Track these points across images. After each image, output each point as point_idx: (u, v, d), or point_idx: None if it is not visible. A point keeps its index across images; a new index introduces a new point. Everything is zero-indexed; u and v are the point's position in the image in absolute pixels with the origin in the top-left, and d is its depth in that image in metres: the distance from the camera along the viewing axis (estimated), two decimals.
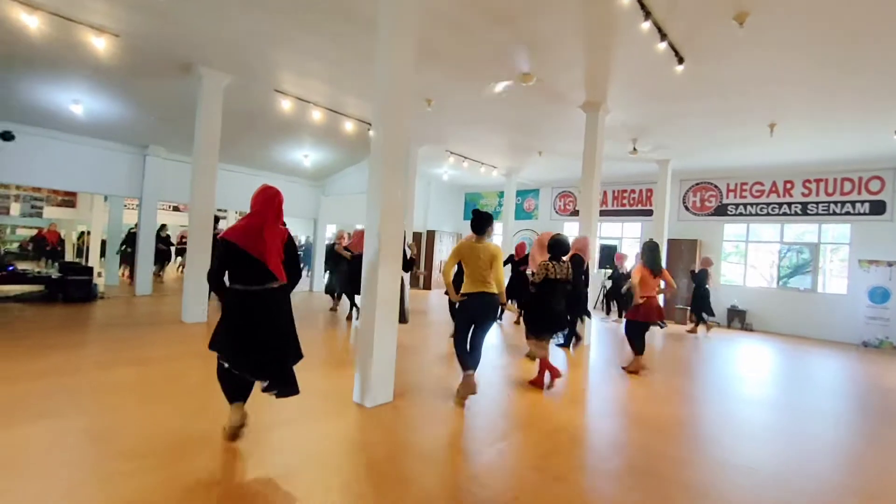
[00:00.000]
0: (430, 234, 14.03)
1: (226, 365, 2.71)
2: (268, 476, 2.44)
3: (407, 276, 6.71)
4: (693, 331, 8.98)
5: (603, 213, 11.90)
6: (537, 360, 4.68)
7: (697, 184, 11.11)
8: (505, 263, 5.08)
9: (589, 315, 6.28)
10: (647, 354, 5.48)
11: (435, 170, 12.51)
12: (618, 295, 9.33)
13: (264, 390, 2.75)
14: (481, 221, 3.87)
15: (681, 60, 5.01)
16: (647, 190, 11.90)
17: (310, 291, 11.43)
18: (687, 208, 11.26)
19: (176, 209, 17.65)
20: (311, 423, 3.20)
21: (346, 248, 7.24)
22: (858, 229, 9.20)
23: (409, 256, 6.01)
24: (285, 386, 2.78)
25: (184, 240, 11.74)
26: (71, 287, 7.66)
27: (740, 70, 5.31)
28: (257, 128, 8.57)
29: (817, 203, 9.62)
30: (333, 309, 8.29)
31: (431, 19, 4.56)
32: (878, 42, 4.52)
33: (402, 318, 4.99)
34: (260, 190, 2.78)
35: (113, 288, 9.64)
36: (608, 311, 10.42)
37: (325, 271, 10.07)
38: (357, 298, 7.02)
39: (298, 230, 16.76)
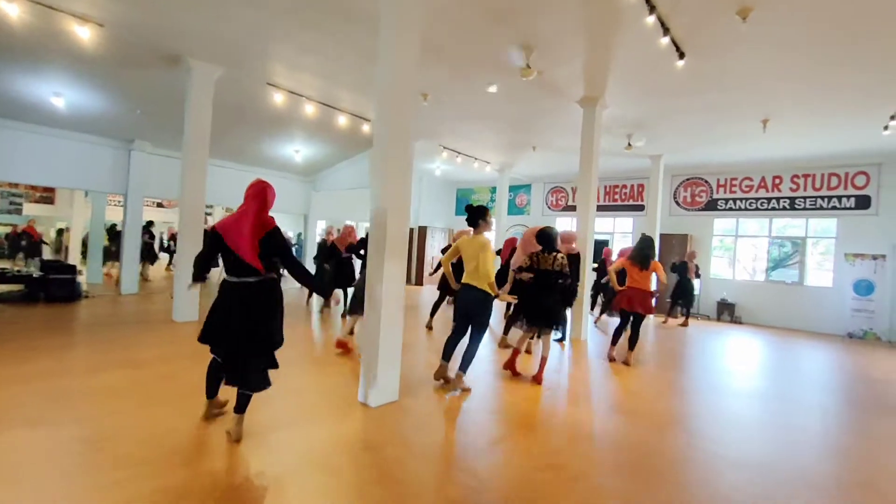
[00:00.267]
0: (422, 230, 13.94)
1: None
2: (269, 483, 2.35)
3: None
4: (684, 324, 9.13)
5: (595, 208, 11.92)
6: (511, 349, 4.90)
7: (688, 179, 11.22)
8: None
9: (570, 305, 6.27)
10: (640, 348, 5.50)
11: (427, 165, 12.41)
12: (603, 288, 9.34)
13: (226, 383, 2.81)
14: (471, 215, 4.07)
15: (681, 56, 5.00)
16: (638, 185, 11.99)
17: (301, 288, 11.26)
18: (678, 203, 11.37)
19: (160, 205, 17.23)
20: (316, 424, 3.12)
21: (331, 245, 7.22)
22: (844, 223, 9.40)
23: None
24: (240, 379, 2.74)
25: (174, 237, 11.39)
26: (53, 286, 7.39)
27: (739, 66, 5.34)
28: (248, 122, 8.36)
29: (804, 198, 9.80)
30: (326, 306, 8.17)
31: (430, 15, 4.47)
32: (874, 40, 4.57)
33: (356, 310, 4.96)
34: (251, 183, 2.84)
35: (97, 286, 9.35)
36: (593, 307, 10.46)
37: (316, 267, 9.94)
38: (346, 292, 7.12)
39: (288, 226, 16.51)
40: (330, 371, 4.42)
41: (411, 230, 13.66)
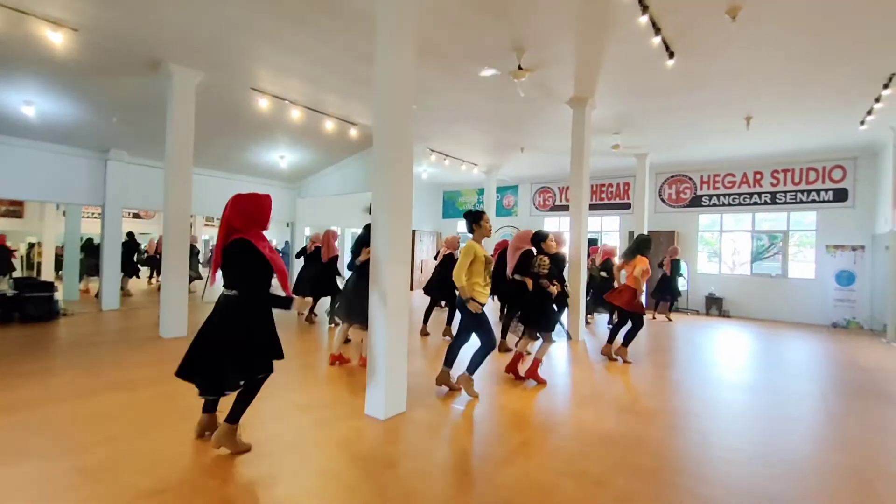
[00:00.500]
0: (411, 234, 13.83)
1: None
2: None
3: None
4: (668, 318, 9.34)
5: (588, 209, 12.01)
6: (512, 352, 4.92)
7: (672, 176, 11.41)
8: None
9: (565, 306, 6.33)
10: (635, 345, 5.62)
11: (415, 168, 12.29)
12: (593, 285, 9.37)
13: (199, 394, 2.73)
14: (466, 221, 4.11)
15: (671, 55, 5.05)
16: (624, 183, 12.13)
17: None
18: (663, 200, 11.55)
19: (136, 216, 16.65)
20: (328, 441, 3.00)
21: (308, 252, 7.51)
22: (824, 216, 9.68)
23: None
24: (210, 388, 2.66)
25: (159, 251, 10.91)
26: (29, 305, 7.03)
27: (727, 64, 5.43)
28: (231, 129, 8.13)
29: (785, 192, 10.06)
30: (307, 317, 7.81)
31: (420, 14, 4.39)
32: (855, 39, 4.70)
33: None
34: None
35: (74, 303, 8.95)
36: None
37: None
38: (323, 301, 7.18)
39: (274, 235, 16.17)
40: (333, 384, 4.29)
41: None
